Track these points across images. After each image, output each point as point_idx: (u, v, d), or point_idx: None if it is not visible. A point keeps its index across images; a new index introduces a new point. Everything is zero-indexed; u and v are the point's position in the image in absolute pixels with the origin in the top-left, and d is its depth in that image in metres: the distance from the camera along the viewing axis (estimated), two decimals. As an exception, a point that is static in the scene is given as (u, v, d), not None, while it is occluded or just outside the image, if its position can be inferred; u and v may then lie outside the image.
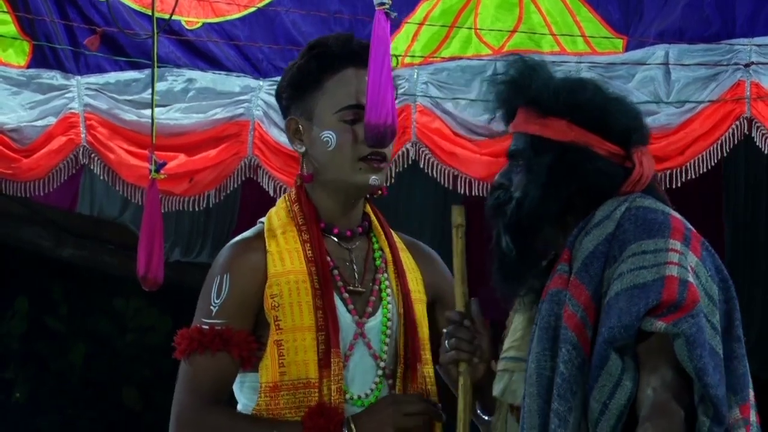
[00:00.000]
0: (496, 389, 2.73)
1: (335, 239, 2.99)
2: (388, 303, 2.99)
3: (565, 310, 2.51)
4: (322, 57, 2.96)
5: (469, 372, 2.79)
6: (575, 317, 2.49)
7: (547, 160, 2.61)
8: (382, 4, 3.00)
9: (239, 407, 2.97)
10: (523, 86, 2.67)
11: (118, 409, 8.50)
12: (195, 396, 2.89)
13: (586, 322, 2.48)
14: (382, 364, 2.95)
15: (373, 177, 2.96)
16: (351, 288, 2.96)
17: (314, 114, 2.96)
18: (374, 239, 3.04)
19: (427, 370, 3.01)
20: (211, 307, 2.90)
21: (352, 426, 2.87)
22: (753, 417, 2.56)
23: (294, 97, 2.98)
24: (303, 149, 2.98)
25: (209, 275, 2.96)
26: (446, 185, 5.33)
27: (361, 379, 2.94)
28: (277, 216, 2.99)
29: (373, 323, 2.96)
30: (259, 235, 2.97)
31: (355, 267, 2.98)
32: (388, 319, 2.98)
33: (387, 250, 3.04)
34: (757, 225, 6.07)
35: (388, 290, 3.00)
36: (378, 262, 3.01)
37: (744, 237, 6.07)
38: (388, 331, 2.97)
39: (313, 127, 2.97)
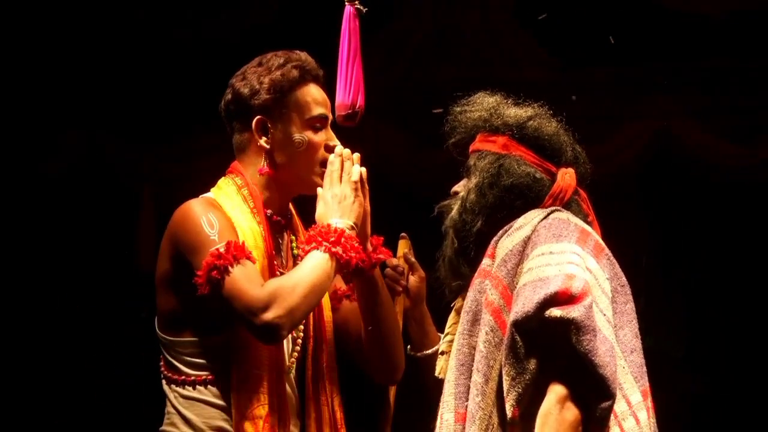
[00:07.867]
0: (437, 368, 3.22)
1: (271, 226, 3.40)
2: None
3: (485, 297, 2.96)
4: (299, 69, 3.39)
5: (398, 301, 3.56)
6: (494, 304, 2.94)
7: (485, 165, 3.14)
8: (352, 0, 3.45)
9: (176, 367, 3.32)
10: (484, 118, 3.21)
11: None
12: (250, 286, 3.17)
13: (503, 309, 2.92)
14: (299, 342, 3.41)
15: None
16: (281, 271, 3.38)
17: (286, 117, 3.37)
18: (292, 232, 3.47)
19: (330, 348, 3.46)
20: (212, 238, 3.21)
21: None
22: (649, 402, 2.98)
23: (269, 99, 3.36)
24: (268, 146, 3.38)
25: (189, 225, 3.24)
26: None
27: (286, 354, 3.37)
28: (226, 195, 3.36)
29: None
30: (215, 203, 3.33)
31: (282, 253, 3.42)
32: None
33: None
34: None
35: None
36: (295, 252, 3.44)
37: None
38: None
39: (285, 128, 3.36)
